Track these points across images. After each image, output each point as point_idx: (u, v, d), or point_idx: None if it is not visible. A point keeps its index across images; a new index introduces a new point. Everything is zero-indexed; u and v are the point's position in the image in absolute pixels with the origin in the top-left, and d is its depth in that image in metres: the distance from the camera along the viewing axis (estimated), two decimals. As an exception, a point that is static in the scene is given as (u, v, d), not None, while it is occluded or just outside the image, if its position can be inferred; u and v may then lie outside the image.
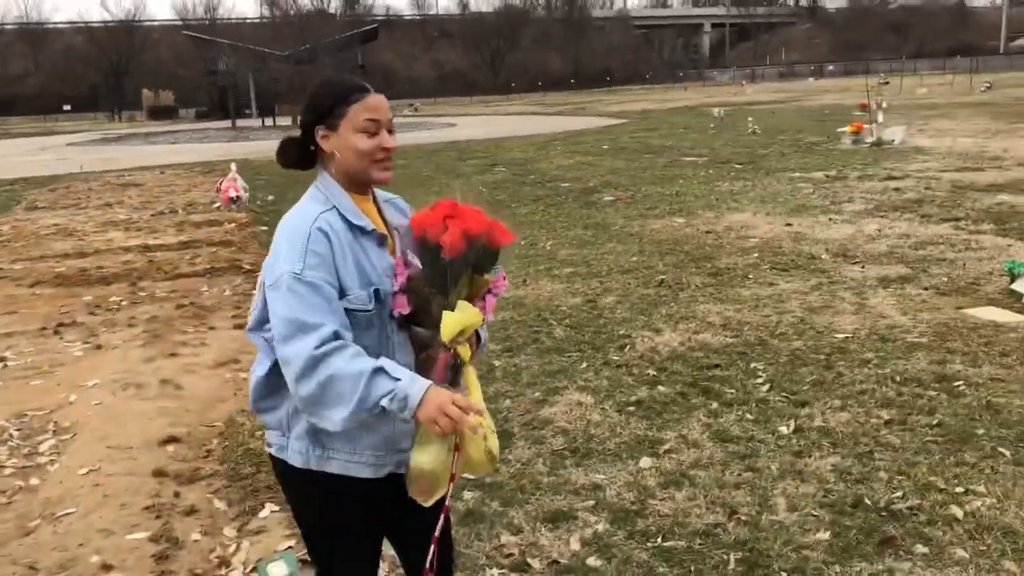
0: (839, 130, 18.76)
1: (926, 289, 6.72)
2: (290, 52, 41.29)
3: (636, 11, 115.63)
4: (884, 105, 21.32)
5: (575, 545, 3.27)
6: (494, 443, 1.97)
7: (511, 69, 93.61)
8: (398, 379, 1.77)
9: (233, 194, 11.66)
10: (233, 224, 11.06)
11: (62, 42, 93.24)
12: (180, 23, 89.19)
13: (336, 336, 1.78)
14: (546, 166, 17.19)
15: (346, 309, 1.85)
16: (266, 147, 26.81)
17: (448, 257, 1.84)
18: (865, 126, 17.73)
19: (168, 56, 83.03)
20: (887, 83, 21.69)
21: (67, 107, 72.12)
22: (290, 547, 3.33)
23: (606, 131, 27.04)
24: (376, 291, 1.87)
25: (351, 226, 1.90)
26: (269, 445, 2.07)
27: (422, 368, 1.94)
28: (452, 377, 1.93)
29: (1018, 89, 37.10)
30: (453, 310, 1.86)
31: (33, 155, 27.80)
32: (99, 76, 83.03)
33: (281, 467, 2.04)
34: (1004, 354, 5.13)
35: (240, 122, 43.50)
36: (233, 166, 12.08)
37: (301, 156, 1.99)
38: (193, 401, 4.98)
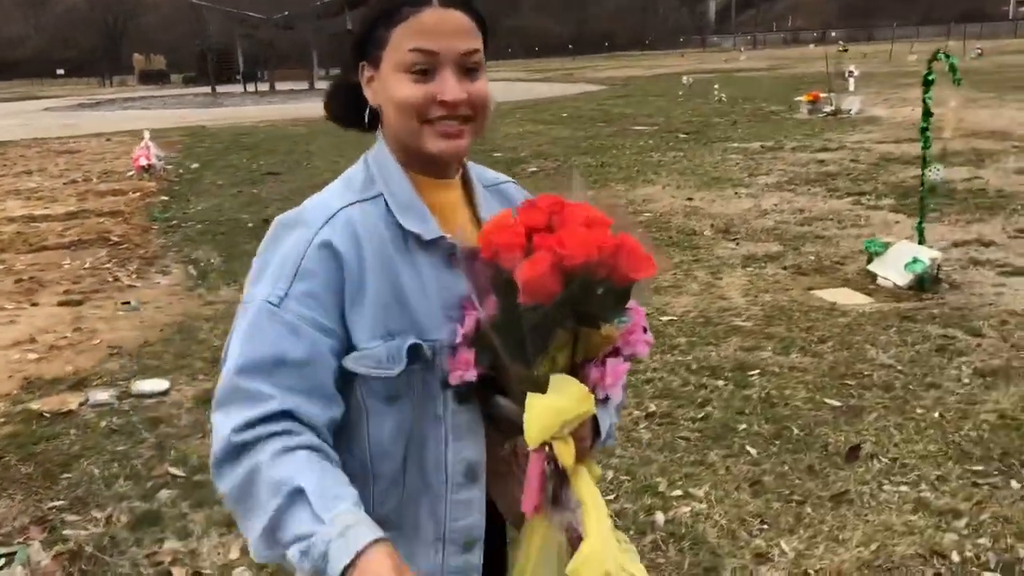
0: (796, 99, 18.34)
1: (785, 268, 6.46)
2: (268, 17, 40.76)
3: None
4: (856, 73, 20.85)
5: (234, 554, 3.06)
6: None
7: (510, 33, 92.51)
8: (322, 520, 1.04)
9: (144, 162, 11.42)
10: (138, 193, 10.83)
11: (63, 4, 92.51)
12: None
13: (283, 417, 1.12)
14: (491, 135, 16.84)
15: (354, 374, 1.18)
16: (237, 113, 26.50)
17: (526, 303, 1.10)
18: (822, 95, 17.30)
19: (165, 19, 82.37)
20: (845, 50, 21.17)
21: (60, 71, 71.69)
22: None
23: (578, 99, 26.60)
24: (414, 347, 1.17)
25: (402, 231, 1.21)
26: None
27: (502, 469, 1.26)
28: (551, 494, 1.21)
29: (1009, 56, 36.33)
30: (543, 387, 1.14)
31: (2, 120, 27.55)
32: (96, 39, 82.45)
33: None
34: (822, 340, 4.88)
35: (224, 87, 43.05)
36: (146, 134, 11.81)
37: (349, 108, 1.30)
38: (-39, 385, 4.77)
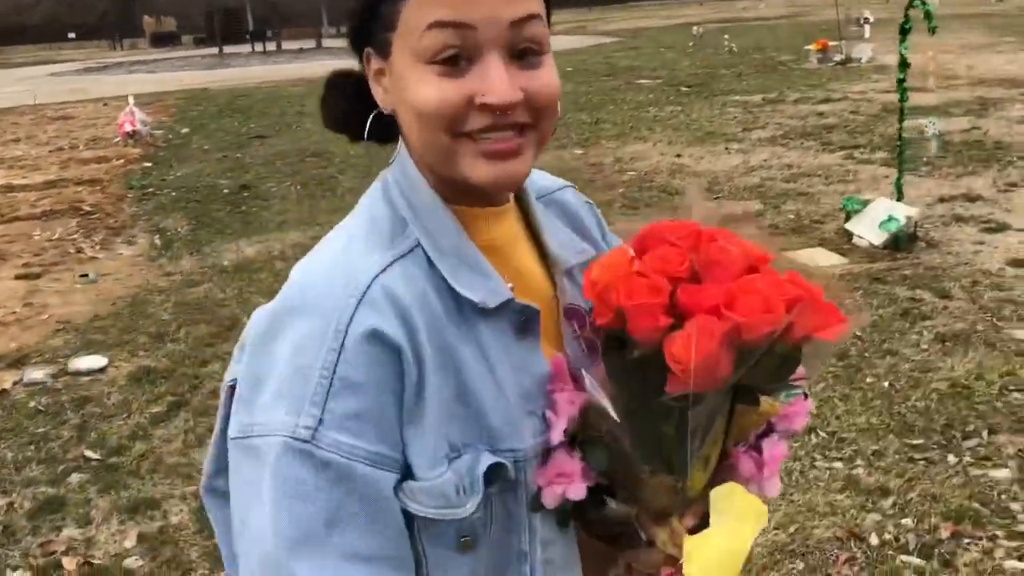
0: (806, 48, 17.81)
1: (762, 229, 6.21)
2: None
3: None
4: (871, 19, 20.20)
5: (129, 542, 2.96)
6: None
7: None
8: None
9: (129, 128, 11.29)
10: (121, 160, 10.72)
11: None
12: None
13: None
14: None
15: (404, 512, 0.82)
16: (240, 75, 26.27)
17: (676, 391, 0.77)
18: (832, 43, 16.78)
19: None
20: (853, -5, 20.48)
21: (72, 35, 71.59)
22: None
23: (586, 52, 26.07)
24: (494, 468, 0.81)
25: (454, 297, 0.84)
26: None
27: None
28: None
29: (1036, -2, 35.12)
30: (691, 501, 0.85)
31: (6, 87, 27.52)
32: (107, 2, 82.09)
33: None
34: (783, 305, 4.68)
35: (233, 48, 42.70)
36: (131, 99, 11.67)
37: (353, 113, 0.90)
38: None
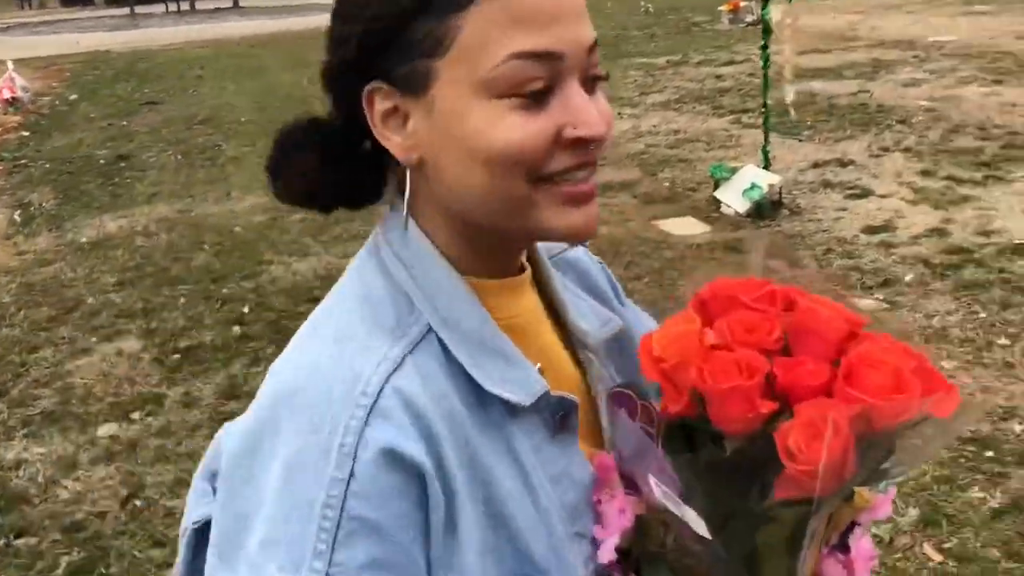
0: (719, 8, 17.85)
1: (635, 197, 6.22)
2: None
3: None
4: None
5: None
6: None
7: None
8: None
9: (8, 95, 10.76)
10: (-1, 129, 10.24)
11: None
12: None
13: None
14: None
15: None
16: (146, 36, 25.33)
17: (788, 496, 0.63)
18: (743, 4, 16.83)
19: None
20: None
21: (-23, -7, 68.05)
22: None
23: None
24: None
25: (476, 393, 0.68)
26: None
27: None
28: None
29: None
30: None
31: (-102, 49, 26.08)
32: (16, -42, 78.16)
33: None
34: (638, 278, 4.68)
35: (147, 8, 41.14)
36: (10, 64, 11.12)
37: (332, 175, 0.73)
38: None
